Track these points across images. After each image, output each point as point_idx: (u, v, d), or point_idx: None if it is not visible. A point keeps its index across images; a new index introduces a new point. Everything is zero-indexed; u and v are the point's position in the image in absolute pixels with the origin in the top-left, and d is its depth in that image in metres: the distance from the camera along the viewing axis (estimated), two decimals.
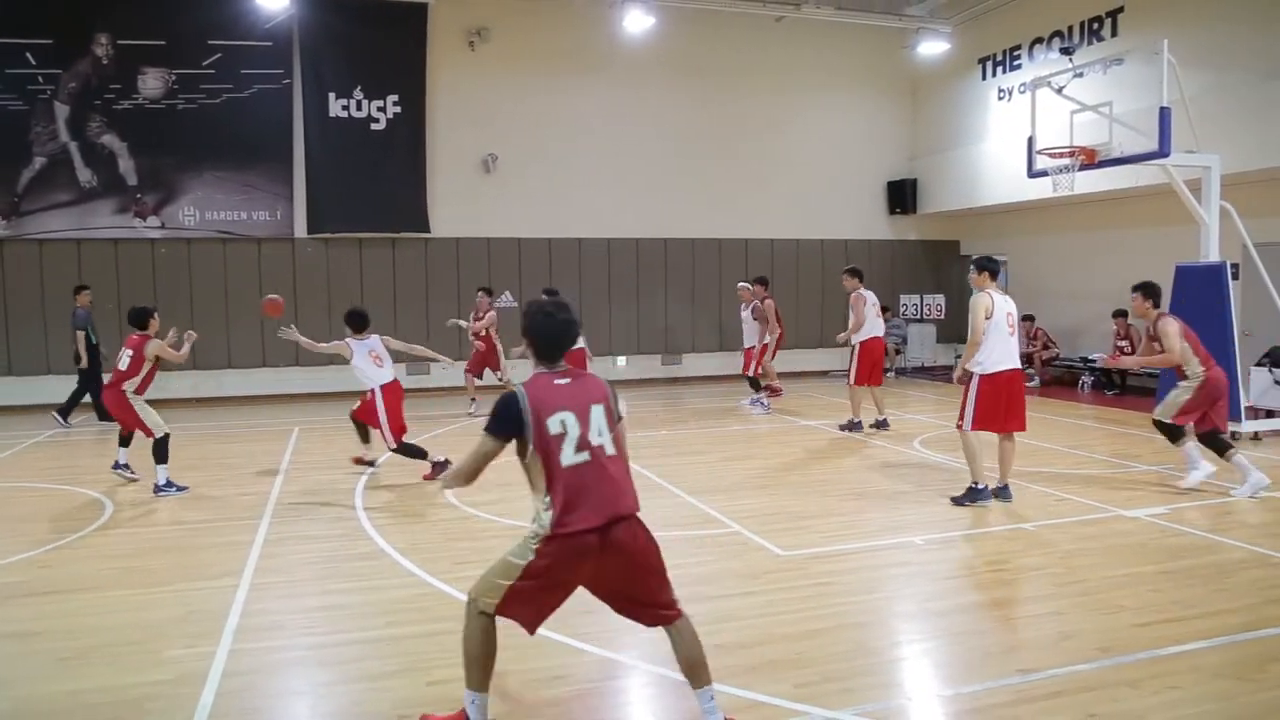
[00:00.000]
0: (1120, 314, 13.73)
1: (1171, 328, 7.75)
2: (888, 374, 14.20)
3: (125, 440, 8.74)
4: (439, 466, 8.35)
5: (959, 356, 7.99)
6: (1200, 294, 10.41)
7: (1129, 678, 4.20)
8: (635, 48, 16.31)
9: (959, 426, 7.52)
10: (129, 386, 8.25)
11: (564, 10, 16.16)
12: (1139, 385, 14.31)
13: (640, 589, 3.63)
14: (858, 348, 11.11)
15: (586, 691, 4.21)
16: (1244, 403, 10.29)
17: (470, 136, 16.02)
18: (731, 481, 8.54)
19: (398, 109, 15.51)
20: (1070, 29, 15.30)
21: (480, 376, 13.07)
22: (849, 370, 11.24)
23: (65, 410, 12.42)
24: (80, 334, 12.45)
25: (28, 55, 14.03)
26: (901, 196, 18.49)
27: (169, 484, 8.20)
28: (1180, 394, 7.82)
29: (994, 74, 17.07)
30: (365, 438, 8.92)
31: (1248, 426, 10.28)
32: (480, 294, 13.28)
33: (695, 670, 3.64)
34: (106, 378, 8.85)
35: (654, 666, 4.41)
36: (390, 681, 4.30)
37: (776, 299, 13.65)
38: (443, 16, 15.71)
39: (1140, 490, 7.96)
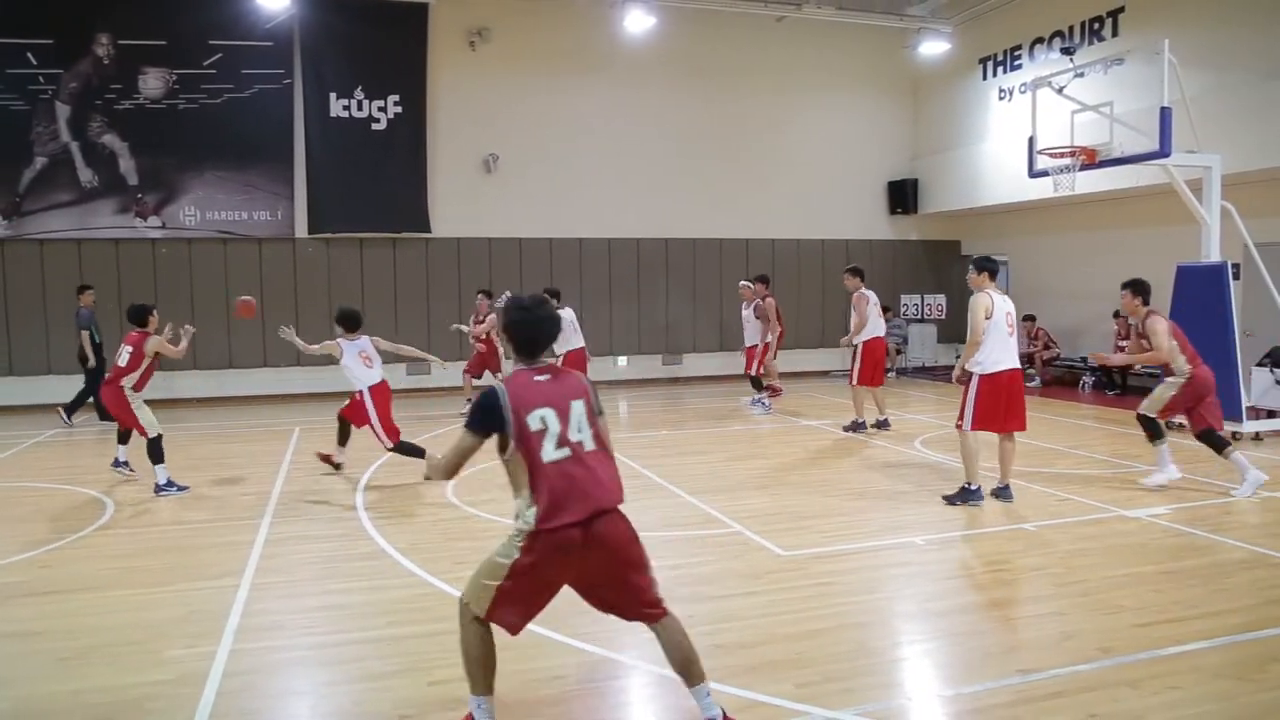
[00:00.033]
0: (1121, 314, 13.72)
1: (1159, 326, 7.80)
2: (889, 374, 14.19)
3: (124, 437, 8.77)
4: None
5: (959, 356, 7.99)
6: (1201, 294, 10.41)
7: (1130, 678, 4.20)
8: (636, 48, 16.31)
9: (959, 426, 7.51)
10: (127, 383, 8.26)
11: (565, 10, 16.16)
12: (1140, 385, 14.28)
13: (625, 583, 3.62)
14: (860, 348, 11.09)
15: (586, 691, 4.21)
16: (1245, 403, 10.28)
17: (471, 136, 16.02)
18: (733, 481, 8.54)
19: (399, 109, 15.52)
20: (1071, 29, 15.30)
21: (479, 377, 13.07)
22: (851, 370, 11.21)
23: (71, 408, 12.45)
24: (85, 334, 12.48)
25: (29, 55, 14.04)
26: (902, 196, 18.49)
27: (170, 483, 8.20)
28: (1166, 390, 7.91)
29: (995, 74, 17.06)
30: (344, 439, 8.94)
31: (1249, 427, 10.28)
32: (480, 296, 13.29)
33: (687, 668, 3.65)
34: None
35: (654, 666, 4.41)
36: (391, 681, 4.30)
37: (777, 298, 13.64)
38: (443, 16, 15.71)
39: (1141, 490, 7.95)
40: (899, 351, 17.79)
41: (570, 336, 12.16)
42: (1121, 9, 14.43)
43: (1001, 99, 16.89)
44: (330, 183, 15.36)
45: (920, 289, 18.62)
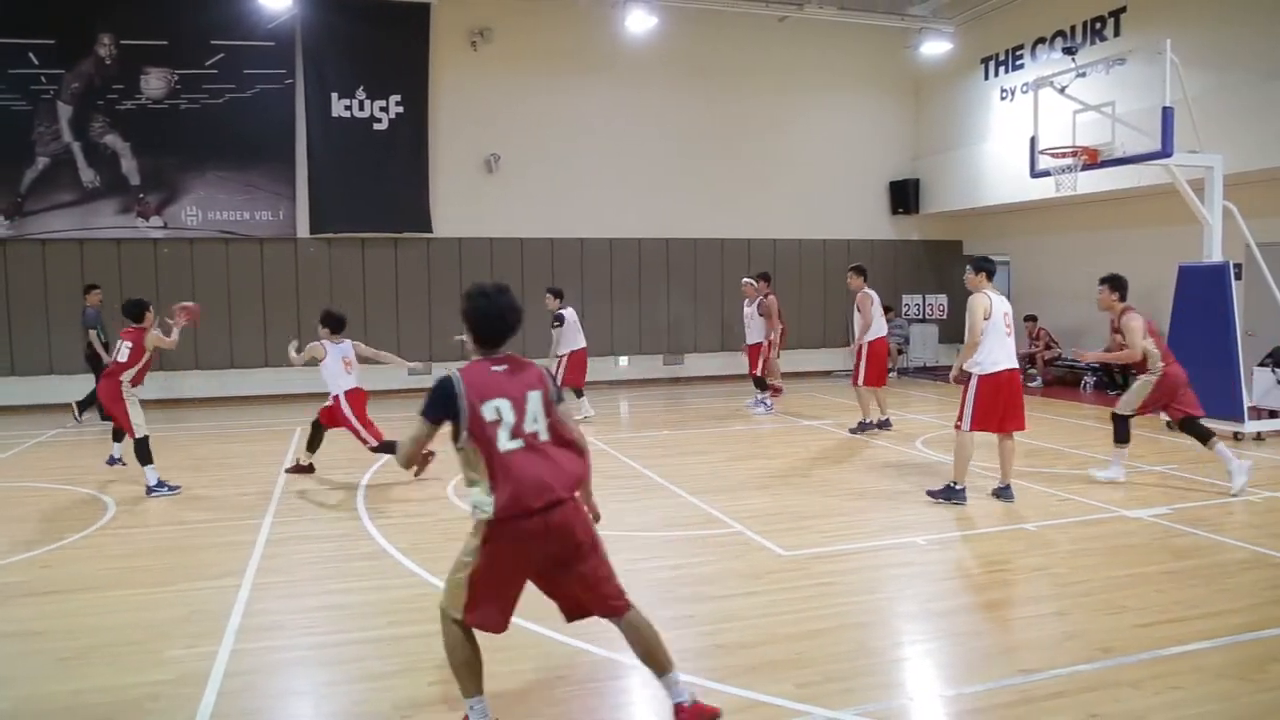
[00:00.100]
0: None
1: (1135, 323, 7.85)
2: (890, 374, 14.17)
3: (119, 435, 8.79)
4: (424, 459, 8.44)
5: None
6: (1203, 294, 10.40)
7: (1131, 678, 4.20)
8: (638, 48, 16.31)
9: (958, 427, 7.51)
10: (126, 377, 8.27)
11: (566, 10, 16.16)
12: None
13: (586, 574, 3.61)
14: (866, 348, 11.05)
15: (586, 691, 4.21)
16: (1247, 403, 10.27)
17: (473, 136, 16.02)
18: (734, 482, 8.53)
19: (400, 109, 15.52)
20: (1073, 29, 15.28)
21: None
22: (856, 371, 11.13)
23: (84, 405, 12.48)
24: (92, 333, 12.50)
25: (30, 55, 14.05)
26: (904, 196, 18.47)
27: (160, 484, 8.18)
28: (1142, 389, 8.04)
29: (997, 74, 17.05)
30: (316, 445, 8.97)
31: (1250, 427, 10.26)
32: None
33: (654, 659, 3.67)
34: None
35: None
36: (391, 681, 4.29)
37: (778, 298, 13.62)
38: (445, 16, 15.71)
39: (1142, 490, 7.95)
40: (900, 351, 17.77)
41: (573, 336, 12.16)
42: (1123, 9, 14.41)
43: (1003, 99, 16.88)
44: (332, 183, 15.37)
45: (922, 289, 18.61)
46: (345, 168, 15.34)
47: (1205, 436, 7.90)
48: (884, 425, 11.14)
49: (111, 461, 8.91)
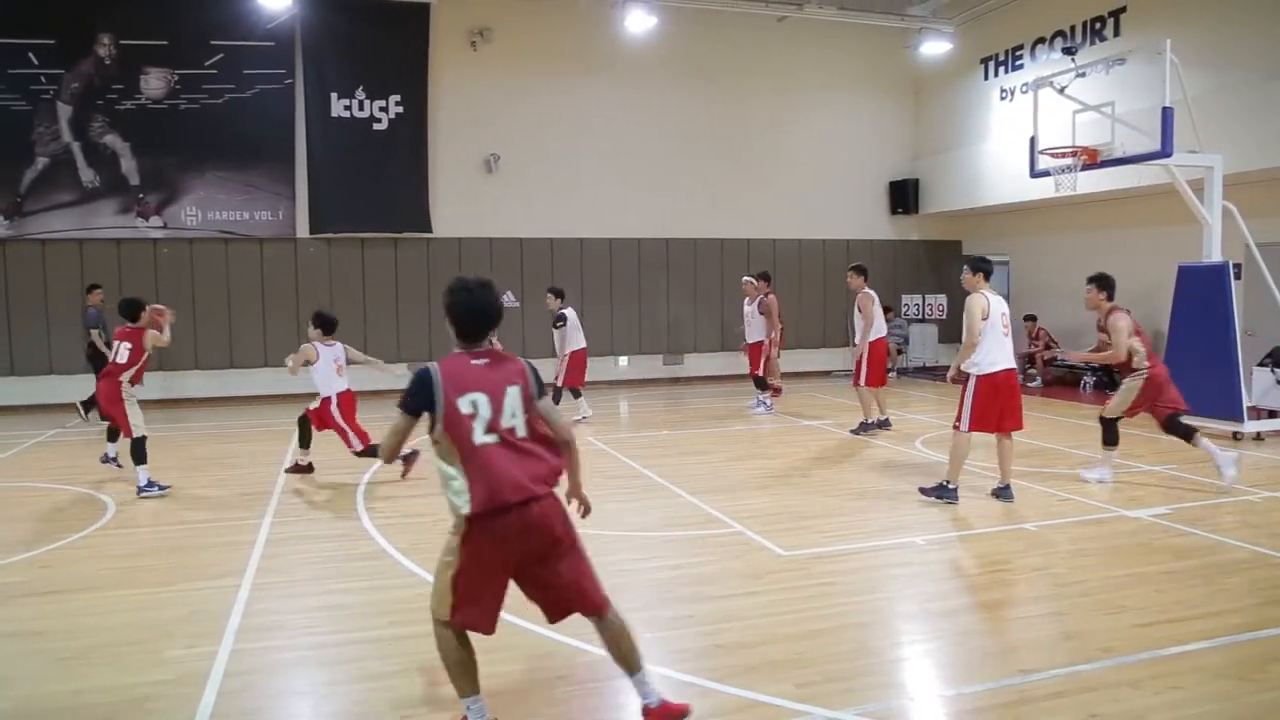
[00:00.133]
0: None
1: (1121, 323, 7.89)
2: (890, 374, 14.17)
3: (114, 434, 8.79)
4: (409, 459, 8.51)
5: None
6: (1203, 294, 10.41)
7: (1131, 678, 4.20)
8: (637, 48, 16.31)
9: (956, 427, 7.51)
10: (125, 378, 8.27)
11: (566, 10, 16.16)
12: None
13: (566, 570, 3.61)
14: (868, 348, 11.04)
15: (586, 691, 4.21)
16: (1246, 403, 10.27)
17: (472, 136, 16.02)
18: (734, 481, 8.53)
19: (400, 109, 15.52)
20: (1073, 29, 15.29)
21: None
22: (858, 371, 11.10)
23: (89, 405, 12.48)
24: (94, 332, 12.50)
25: (30, 55, 14.05)
26: (904, 196, 18.48)
27: (150, 484, 8.16)
28: (1128, 392, 8.10)
29: (996, 74, 17.05)
30: (307, 442, 8.98)
31: (1250, 427, 10.26)
32: None
33: (627, 659, 3.68)
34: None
35: (654, 667, 4.40)
36: (391, 681, 4.30)
37: (778, 298, 13.61)
38: (445, 16, 15.71)
39: (1142, 490, 7.96)
40: (900, 351, 17.78)
41: (574, 336, 12.16)
42: (1123, 9, 14.42)
43: (1003, 99, 16.88)
44: (331, 183, 15.37)
45: (921, 289, 18.61)
46: (345, 168, 15.34)
47: (1188, 435, 7.99)
48: (883, 425, 11.14)
49: (105, 460, 8.90)
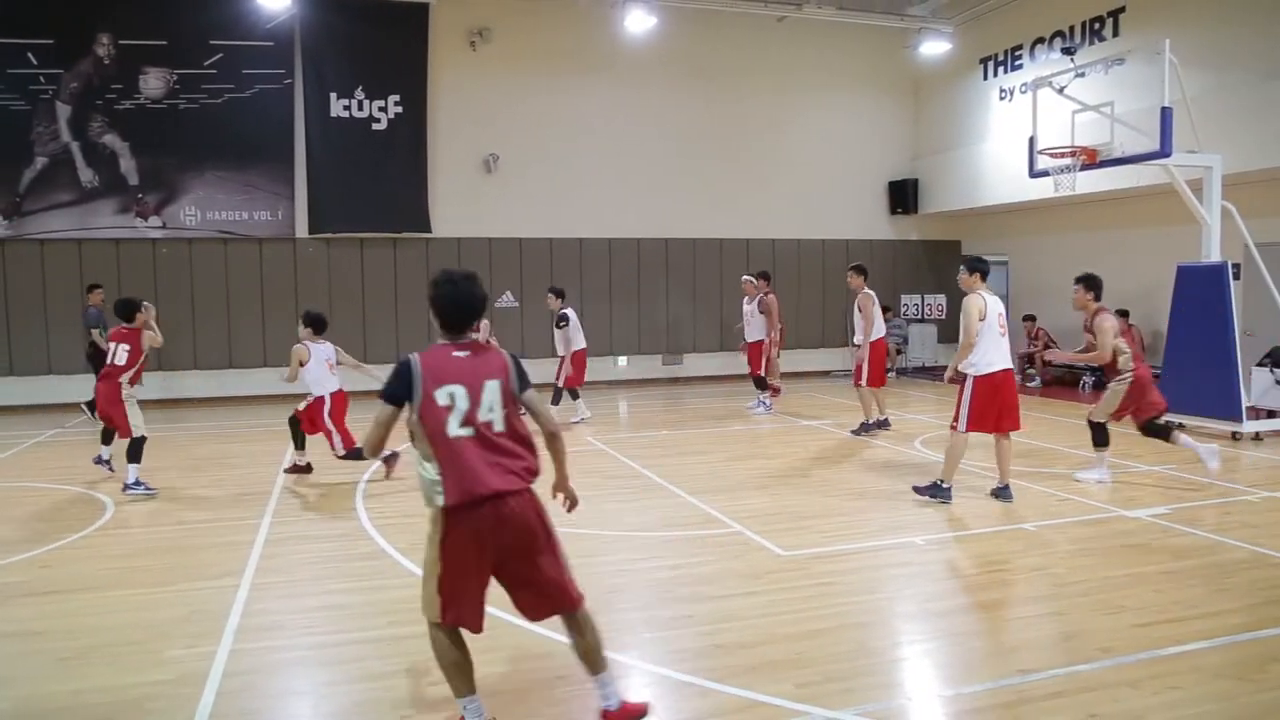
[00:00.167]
0: (1121, 314, 13.70)
1: (1107, 324, 7.91)
2: (889, 374, 14.17)
3: (108, 436, 8.78)
4: (389, 460, 8.54)
5: None
6: (1202, 294, 10.42)
7: (1130, 678, 4.20)
8: (637, 48, 16.31)
9: (953, 428, 7.51)
10: (125, 379, 8.27)
11: (565, 10, 16.16)
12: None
13: (541, 566, 3.60)
14: (869, 348, 11.04)
15: (586, 691, 4.20)
16: (1245, 403, 10.27)
17: (472, 136, 16.02)
18: (733, 481, 8.54)
19: (399, 109, 15.52)
20: (1072, 29, 15.30)
21: None
22: (859, 371, 11.09)
23: (93, 404, 12.48)
24: (95, 332, 12.51)
25: (29, 55, 14.05)
26: (903, 196, 18.49)
27: (138, 483, 8.14)
28: (1114, 396, 8.14)
29: (995, 74, 17.06)
30: (301, 441, 8.99)
31: (1249, 427, 10.27)
32: None
33: (592, 659, 3.69)
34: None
35: (654, 666, 4.42)
36: (391, 681, 4.30)
37: (777, 298, 13.60)
38: (444, 16, 15.71)
39: (1141, 490, 7.96)
40: (899, 351, 17.78)
41: (574, 337, 12.15)
42: (1122, 9, 14.43)
43: (1002, 99, 16.89)
44: (331, 183, 15.37)
45: (920, 289, 18.62)
46: (344, 168, 15.34)
47: (1166, 434, 8.08)
48: (883, 425, 11.14)
49: (99, 461, 8.88)
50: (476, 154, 16.10)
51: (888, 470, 8.95)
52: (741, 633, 4.79)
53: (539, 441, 3.70)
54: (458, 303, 3.64)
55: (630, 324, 17.17)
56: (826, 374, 17.83)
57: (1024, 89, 15.54)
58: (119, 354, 8.29)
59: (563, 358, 12.10)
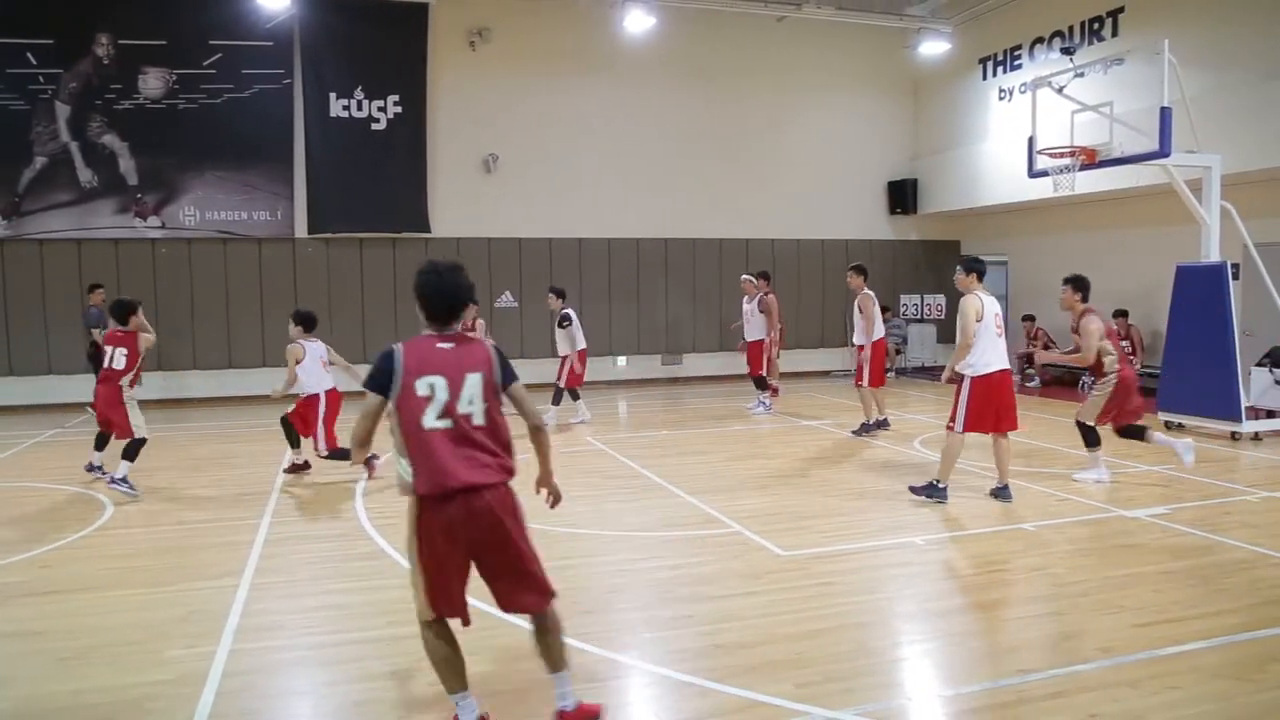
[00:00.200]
0: (1120, 314, 13.72)
1: (1093, 325, 7.94)
2: (888, 374, 14.17)
3: (101, 443, 8.74)
4: (369, 463, 8.49)
5: None
6: (1201, 294, 10.42)
7: (1129, 678, 4.20)
8: (636, 48, 16.31)
9: (949, 428, 7.52)
10: (124, 381, 8.26)
11: (565, 10, 16.16)
12: (1141, 386, 14.28)
13: (511, 563, 3.58)
14: (869, 349, 11.04)
15: (586, 691, 4.20)
16: (1244, 403, 10.28)
17: (471, 136, 16.02)
18: (733, 481, 8.54)
19: (398, 109, 15.52)
20: (1071, 29, 15.30)
21: None
22: (860, 372, 11.09)
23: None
24: (96, 332, 12.52)
25: (28, 55, 14.04)
26: (902, 196, 18.49)
27: (124, 479, 8.07)
28: (1099, 397, 8.15)
29: (995, 74, 17.06)
30: (297, 440, 8.99)
31: (1248, 427, 10.27)
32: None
33: (553, 657, 3.69)
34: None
35: (654, 666, 4.42)
36: (391, 681, 4.30)
37: (777, 298, 13.60)
38: (444, 16, 15.71)
39: (1140, 490, 7.97)
40: (899, 351, 17.79)
41: (575, 337, 12.15)
42: (1121, 9, 14.43)
43: (1001, 99, 16.89)
44: (330, 183, 15.37)
45: (920, 289, 18.62)
46: (343, 168, 15.34)
47: (1140, 434, 8.12)
48: (882, 425, 11.14)
49: (90, 469, 8.81)
50: (476, 154, 16.10)
51: (887, 470, 8.95)
52: (741, 633, 4.79)
53: (528, 438, 3.70)
54: (442, 293, 3.65)
55: (630, 324, 17.17)
56: (826, 374, 17.84)
57: (1023, 89, 15.54)
58: (116, 358, 8.27)
59: (565, 357, 12.10)
